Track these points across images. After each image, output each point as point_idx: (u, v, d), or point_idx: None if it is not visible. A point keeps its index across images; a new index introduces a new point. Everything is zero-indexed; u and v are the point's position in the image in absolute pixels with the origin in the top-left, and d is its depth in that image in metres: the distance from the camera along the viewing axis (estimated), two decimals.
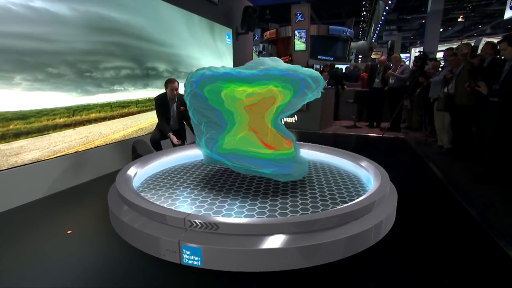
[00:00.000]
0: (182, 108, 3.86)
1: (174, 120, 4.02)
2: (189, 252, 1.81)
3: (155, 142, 3.91)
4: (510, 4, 7.28)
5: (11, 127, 2.77)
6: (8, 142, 2.76)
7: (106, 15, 3.75)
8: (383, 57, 7.96)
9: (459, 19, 15.70)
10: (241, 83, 2.60)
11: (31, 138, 2.96)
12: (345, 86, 8.53)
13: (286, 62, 2.84)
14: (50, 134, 3.14)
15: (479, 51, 5.32)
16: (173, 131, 3.89)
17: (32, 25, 2.89)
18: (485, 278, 1.80)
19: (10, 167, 2.76)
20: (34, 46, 2.92)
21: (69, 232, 2.32)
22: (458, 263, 1.92)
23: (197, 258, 1.80)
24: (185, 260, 1.83)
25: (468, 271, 1.85)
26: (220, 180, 2.95)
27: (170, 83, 3.83)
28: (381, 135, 6.23)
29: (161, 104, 3.88)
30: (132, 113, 4.34)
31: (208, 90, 2.64)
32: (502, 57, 3.90)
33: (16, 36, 2.77)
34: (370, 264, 1.91)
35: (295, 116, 6.99)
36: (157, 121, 4.02)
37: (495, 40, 4.46)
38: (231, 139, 2.77)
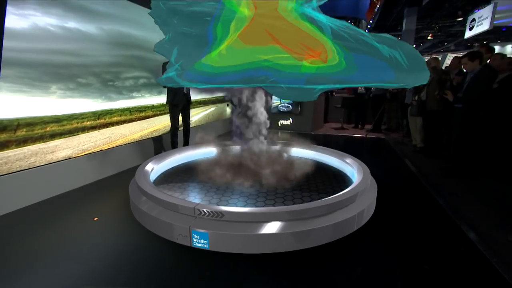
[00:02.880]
0: None
1: None
2: (198, 237, 1.82)
3: (173, 130, 3.99)
4: (469, 26, 7.77)
5: (47, 129, 2.78)
6: (46, 141, 2.77)
7: (127, 32, 3.74)
8: None
9: (429, 38, 15.68)
10: None
11: (63, 139, 2.96)
12: (334, 93, 8.52)
13: None
14: (79, 135, 3.14)
15: (445, 65, 5.36)
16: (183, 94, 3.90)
17: (66, 43, 2.89)
18: (449, 256, 1.81)
19: (47, 163, 2.77)
20: (67, 60, 2.92)
21: (95, 219, 2.33)
22: (428, 245, 1.94)
23: (205, 242, 1.82)
24: (195, 243, 1.84)
25: (435, 251, 1.86)
26: (226, 175, 2.94)
27: None
28: (364, 136, 6.24)
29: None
30: (148, 117, 4.34)
31: None
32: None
33: (53, 52, 2.77)
34: (353, 246, 1.92)
35: (291, 118, 6.99)
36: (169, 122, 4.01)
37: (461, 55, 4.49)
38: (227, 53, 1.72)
